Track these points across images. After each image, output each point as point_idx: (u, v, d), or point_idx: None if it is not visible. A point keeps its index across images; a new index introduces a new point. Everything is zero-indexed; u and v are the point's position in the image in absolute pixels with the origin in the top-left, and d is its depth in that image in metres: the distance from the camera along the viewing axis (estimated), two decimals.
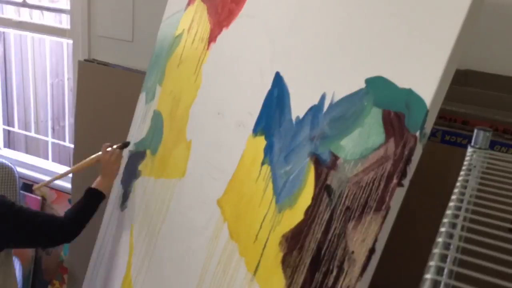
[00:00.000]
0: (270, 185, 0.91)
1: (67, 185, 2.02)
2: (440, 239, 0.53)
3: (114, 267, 1.42)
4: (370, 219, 0.72)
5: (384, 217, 0.70)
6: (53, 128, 2.93)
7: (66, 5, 1.93)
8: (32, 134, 2.74)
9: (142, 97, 1.53)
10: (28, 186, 2.14)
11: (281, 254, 0.85)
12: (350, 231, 0.74)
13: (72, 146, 1.95)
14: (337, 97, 0.84)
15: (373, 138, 0.75)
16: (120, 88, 1.73)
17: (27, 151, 2.76)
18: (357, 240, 0.72)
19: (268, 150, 0.95)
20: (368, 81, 0.79)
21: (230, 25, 1.18)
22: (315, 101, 0.88)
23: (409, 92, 0.72)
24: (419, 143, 0.70)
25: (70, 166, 2.06)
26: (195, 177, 1.16)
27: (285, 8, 1.02)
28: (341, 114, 0.82)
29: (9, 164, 1.98)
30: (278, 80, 0.98)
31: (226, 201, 1.04)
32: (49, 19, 2.72)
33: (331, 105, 0.85)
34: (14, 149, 2.54)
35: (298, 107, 0.92)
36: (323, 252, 0.77)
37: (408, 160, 0.70)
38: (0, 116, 2.38)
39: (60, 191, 2.08)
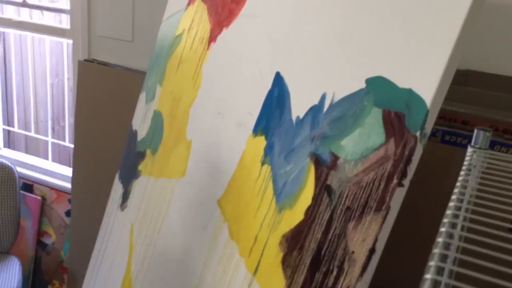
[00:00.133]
0: (270, 185, 0.92)
1: (67, 185, 2.02)
2: (440, 239, 0.53)
3: (114, 267, 1.42)
4: (370, 219, 0.72)
5: (384, 217, 0.70)
6: (53, 128, 2.93)
7: (66, 5, 1.93)
8: (32, 134, 2.74)
9: (142, 97, 1.53)
10: (28, 186, 2.14)
11: (281, 254, 0.85)
12: (351, 231, 0.74)
13: (72, 146, 1.95)
14: (337, 97, 0.84)
15: (373, 138, 0.75)
16: (120, 88, 1.73)
17: (27, 151, 2.77)
18: (357, 240, 0.72)
19: (268, 150, 0.95)
20: (368, 81, 0.79)
21: (231, 25, 1.18)
22: (315, 101, 0.88)
23: (410, 92, 0.72)
24: (420, 143, 0.70)
25: (70, 166, 2.06)
26: (195, 177, 1.16)
27: (285, 8, 1.02)
28: (341, 114, 0.82)
29: (9, 164, 1.98)
30: (278, 80, 0.98)
31: (226, 201, 1.04)
32: (49, 19, 2.72)
33: (331, 105, 0.85)
34: (14, 149, 2.55)
35: (298, 107, 0.92)
36: (323, 252, 0.77)
37: (408, 160, 0.70)
38: (0, 116, 2.38)
39: (60, 191, 2.08)
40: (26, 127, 2.79)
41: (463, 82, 1.15)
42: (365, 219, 0.72)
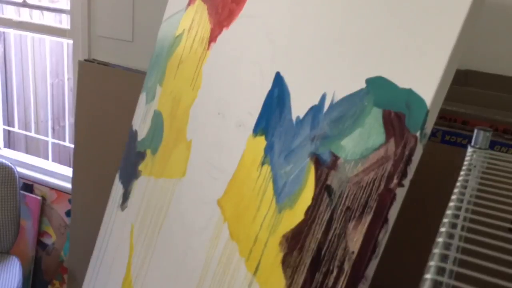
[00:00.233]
0: (270, 185, 0.92)
1: (67, 185, 2.02)
2: (440, 239, 0.53)
3: (114, 267, 1.42)
4: (370, 219, 0.72)
5: (385, 217, 0.70)
6: (53, 128, 2.93)
7: (66, 5, 1.93)
8: (32, 134, 2.74)
9: (142, 97, 1.53)
10: (28, 186, 2.14)
11: (281, 254, 0.85)
12: (351, 231, 0.74)
13: (72, 146, 1.95)
14: (338, 97, 0.84)
15: (374, 138, 0.75)
16: (120, 88, 1.73)
17: (27, 151, 2.77)
18: (357, 240, 0.72)
19: (268, 150, 0.95)
20: (368, 81, 0.79)
21: (231, 25, 1.18)
22: (316, 101, 0.88)
23: (410, 92, 0.72)
24: (420, 143, 0.70)
25: (70, 166, 2.06)
26: (195, 177, 1.16)
27: (285, 8, 1.03)
28: (342, 114, 0.82)
29: (9, 164, 1.98)
30: (278, 80, 0.98)
31: (226, 201, 1.04)
32: (49, 19, 2.72)
33: (332, 105, 0.85)
34: (14, 149, 2.55)
35: (298, 107, 0.92)
36: (323, 252, 0.77)
37: (408, 160, 0.70)
38: (0, 116, 2.38)
39: (60, 191, 2.08)
40: (26, 127, 2.79)
41: (463, 82, 1.15)
42: (365, 219, 0.72)
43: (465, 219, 0.58)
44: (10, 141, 2.71)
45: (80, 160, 1.84)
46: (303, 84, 0.92)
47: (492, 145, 1.01)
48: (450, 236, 0.54)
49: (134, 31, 1.77)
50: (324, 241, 0.78)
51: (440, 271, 0.50)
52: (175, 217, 1.20)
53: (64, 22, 2.61)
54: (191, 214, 1.14)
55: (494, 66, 1.15)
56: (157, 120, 1.39)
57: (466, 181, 0.68)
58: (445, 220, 0.57)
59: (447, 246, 0.53)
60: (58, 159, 2.64)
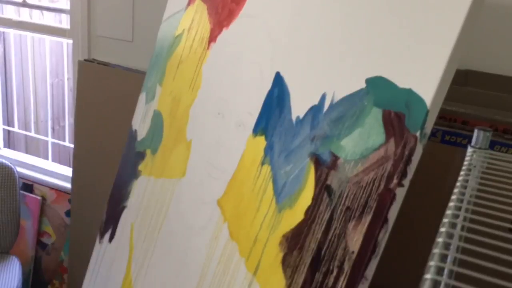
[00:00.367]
0: (270, 185, 0.92)
1: (67, 185, 2.02)
2: (440, 239, 0.53)
3: (114, 267, 1.42)
4: (370, 219, 0.72)
5: (384, 217, 0.70)
6: (53, 128, 2.93)
7: (66, 5, 1.93)
8: (32, 134, 2.74)
9: (142, 97, 1.53)
10: (28, 186, 2.14)
11: (281, 254, 0.85)
12: (351, 231, 0.74)
13: (72, 146, 1.95)
14: (337, 97, 0.84)
15: (373, 138, 0.75)
16: (120, 88, 1.73)
17: (27, 151, 2.77)
18: (357, 240, 0.72)
19: (268, 150, 0.95)
20: (368, 81, 0.79)
21: (230, 25, 1.18)
22: (315, 101, 0.88)
23: (409, 92, 0.72)
24: (420, 143, 0.70)
25: (70, 166, 2.06)
26: (195, 177, 1.16)
27: (285, 8, 1.02)
28: (342, 114, 0.82)
29: (9, 164, 1.98)
30: (278, 80, 0.98)
31: (226, 201, 1.04)
32: (49, 19, 2.72)
33: (331, 105, 0.85)
34: (14, 149, 2.55)
35: (298, 107, 0.92)
36: (323, 252, 0.77)
37: (408, 160, 0.70)
38: (0, 116, 2.38)
39: (60, 191, 2.08)
40: (26, 127, 2.79)
41: (463, 82, 1.15)
42: (365, 219, 0.72)
43: (465, 219, 0.58)
44: (10, 141, 2.71)
45: (80, 160, 1.84)
46: (303, 84, 0.92)
47: (492, 145, 1.01)
48: (450, 236, 0.54)
49: (134, 31, 1.77)
50: (324, 241, 0.78)
51: (440, 271, 0.50)
52: (175, 217, 1.20)
53: (64, 22, 2.61)
54: (191, 214, 1.14)
55: (494, 66, 1.15)
56: (157, 120, 1.39)
57: (466, 181, 0.68)
58: (445, 220, 0.57)
59: (447, 246, 0.53)
60: (58, 159, 2.64)
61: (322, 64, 0.89)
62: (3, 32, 2.61)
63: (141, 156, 1.42)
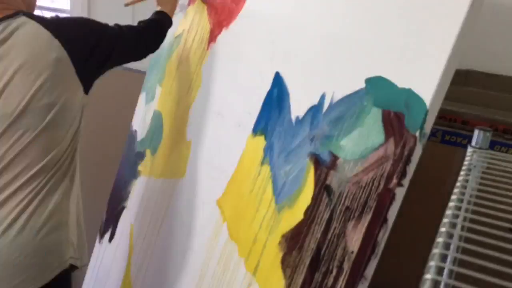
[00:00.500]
0: (270, 185, 0.91)
1: None
2: (440, 239, 0.52)
3: (113, 267, 1.42)
4: (369, 219, 0.72)
5: (384, 217, 0.70)
6: None
7: (66, 5, 1.93)
8: None
9: (142, 97, 1.53)
10: None
11: (280, 254, 0.84)
12: (350, 231, 0.74)
13: None
14: (337, 97, 0.84)
15: (373, 138, 0.75)
16: (120, 88, 1.73)
17: None
18: (357, 240, 0.72)
19: (268, 150, 0.95)
20: (368, 81, 0.79)
21: (230, 25, 1.18)
22: (315, 101, 0.88)
23: (409, 92, 0.72)
24: (419, 143, 0.70)
25: None
26: (194, 177, 1.16)
27: (285, 8, 1.02)
28: (341, 114, 0.82)
29: None
30: (278, 80, 0.98)
31: (226, 201, 1.04)
32: None
33: (331, 105, 0.84)
34: None
35: (298, 107, 0.91)
36: (322, 252, 0.77)
37: (407, 160, 0.70)
38: None
39: None
40: None
41: (463, 82, 1.15)
42: (364, 219, 0.72)
43: (465, 219, 0.58)
44: None
45: (80, 160, 1.83)
46: (303, 84, 0.92)
47: (492, 145, 1.00)
48: (450, 236, 0.54)
49: None
50: (323, 241, 0.78)
51: (440, 271, 0.50)
52: (175, 217, 1.20)
53: None
54: (190, 214, 1.14)
55: (494, 66, 1.15)
56: (157, 120, 1.39)
57: (466, 181, 0.68)
58: (445, 220, 0.57)
59: (447, 246, 0.53)
60: None
61: (322, 64, 0.89)
62: None
63: (141, 156, 1.42)
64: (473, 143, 0.85)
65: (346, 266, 0.73)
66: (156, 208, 1.27)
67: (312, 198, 0.82)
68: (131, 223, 1.38)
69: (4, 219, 0.96)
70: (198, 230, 1.10)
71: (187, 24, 1.37)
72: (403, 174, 0.70)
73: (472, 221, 0.57)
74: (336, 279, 0.74)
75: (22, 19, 1.01)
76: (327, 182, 0.80)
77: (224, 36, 1.19)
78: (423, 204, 1.02)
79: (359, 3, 0.85)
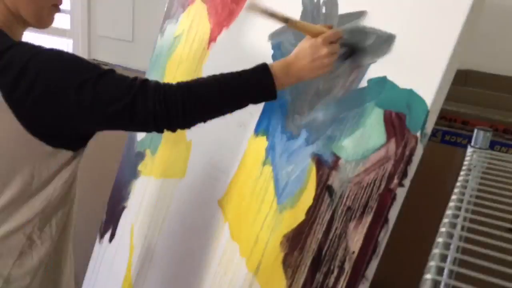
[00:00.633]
0: (272, 186, 0.92)
1: None
2: (440, 239, 0.53)
3: (114, 267, 1.42)
4: (371, 219, 0.72)
5: (385, 217, 0.70)
6: None
7: (66, 5, 1.93)
8: None
9: None
10: None
11: (282, 254, 0.85)
12: (351, 231, 0.74)
13: None
14: (339, 97, 0.84)
15: (374, 139, 0.75)
16: None
17: None
18: (358, 240, 0.73)
19: (270, 150, 0.95)
20: (370, 81, 0.79)
21: (230, 25, 1.18)
22: (316, 101, 0.88)
23: (410, 93, 0.72)
24: (420, 143, 0.70)
25: None
26: (195, 177, 1.16)
27: (285, 8, 1.02)
28: (343, 115, 0.82)
29: None
30: None
31: (227, 202, 1.04)
32: None
33: (333, 106, 0.85)
34: None
35: (299, 107, 0.92)
36: (324, 252, 0.77)
37: (409, 161, 0.70)
38: None
39: None
40: None
41: (463, 82, 1.15)
42: (365, 219, 0.73)
43: (465, 219, 0.58)
44: None
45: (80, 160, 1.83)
46: (304, 84, 0.92)
47: (492, 145, 1.01)
48: (450, 236, 0.54)
49: (134, 31, 1.77)
50: (324, 241, 0.78)
51: (440, 271, 0.50)
52: (176, 217, 1.20)
53: (64, 22, 2.61)
54: (191, 214, 1.14)
55: (494, 66, 1.16)
56: None
57: (466, 181, 0.68)
58: (445, 220, 0.57)
59: (447, 246, 0.53)
60: None
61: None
62: None
63: (141, 156, 1.42)
64: (473, 143, 0.85)
65: (347, 266, 0.73)
66: (156, 208, 1.28)
67: (314, 199, 0.82)
68: (132, 223, 1.38)
69: None
70: (199, 230, 1.10)
71: (187, 24, 1.37)
72: (404, 175, 0.70)
73: (472, 221, 0.57)
74: (337, 279, 0.74)
75: None
76: (329, 182, 0.80)
77: (224, 36, 1.19)
78: (423, 204, 1.02)
79: (360, 3, 0.85)
